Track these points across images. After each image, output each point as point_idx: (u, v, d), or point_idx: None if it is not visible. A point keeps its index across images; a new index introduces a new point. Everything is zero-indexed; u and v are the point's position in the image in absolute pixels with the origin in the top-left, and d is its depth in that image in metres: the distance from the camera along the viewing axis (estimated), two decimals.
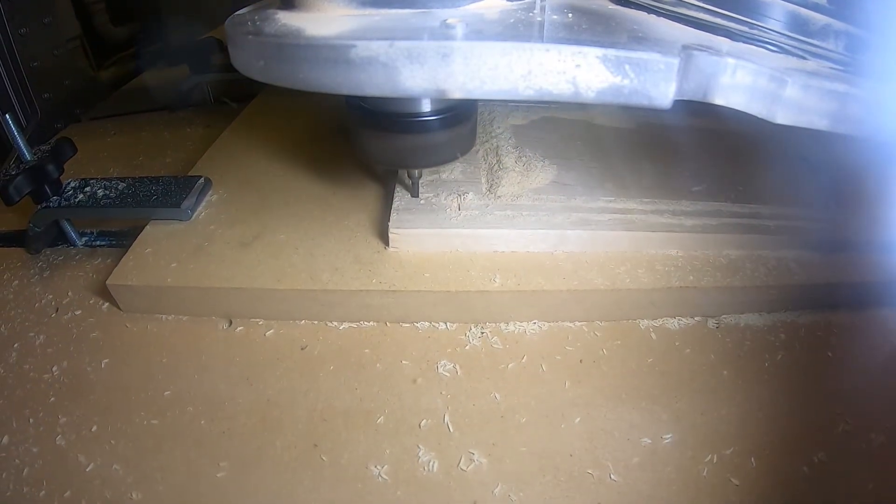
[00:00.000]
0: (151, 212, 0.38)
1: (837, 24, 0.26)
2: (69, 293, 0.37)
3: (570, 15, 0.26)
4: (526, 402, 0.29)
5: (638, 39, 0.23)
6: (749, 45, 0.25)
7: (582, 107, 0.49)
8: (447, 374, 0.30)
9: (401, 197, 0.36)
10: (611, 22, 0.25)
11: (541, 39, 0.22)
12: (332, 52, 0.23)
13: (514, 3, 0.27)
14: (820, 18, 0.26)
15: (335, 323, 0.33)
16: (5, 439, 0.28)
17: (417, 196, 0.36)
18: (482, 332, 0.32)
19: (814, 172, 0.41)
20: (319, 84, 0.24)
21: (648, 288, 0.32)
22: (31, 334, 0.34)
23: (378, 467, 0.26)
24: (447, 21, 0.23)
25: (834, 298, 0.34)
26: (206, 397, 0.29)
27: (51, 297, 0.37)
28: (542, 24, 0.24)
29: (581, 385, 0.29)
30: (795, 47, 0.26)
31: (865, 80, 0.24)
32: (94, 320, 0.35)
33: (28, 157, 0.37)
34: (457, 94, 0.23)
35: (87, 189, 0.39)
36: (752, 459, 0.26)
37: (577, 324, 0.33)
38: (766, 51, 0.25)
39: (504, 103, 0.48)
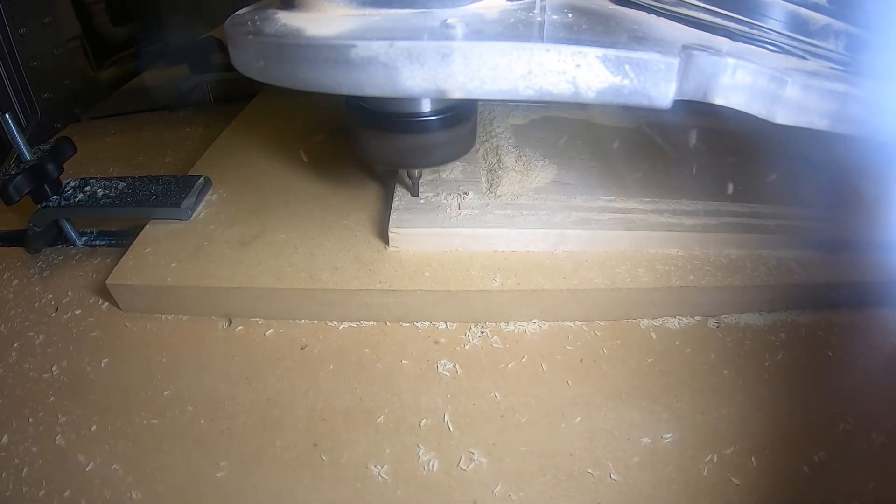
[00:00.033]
0: (151, 211, 0.38)
1: (837, 24, 0.26)
2: (69, 293, 0.37)
3: (570, 15, 0.26)
4: (526, 402, 0.29)
5: (638, 39, 0.23)
6: (749, 45, 0.25)
7: (582, 106, 0.49)
8: (447, 374, 0.30)
9: (401, 196, 0.36)
10: (611, 22, 0.25)
11: (541, 39, 0.22)
12: (332, 52, 0.23)
13: (514, 3, 0.27)
14: (820, 18, 0.26)
15: (335, 322, 0.33)
16: (5, 439, 0.28)
17: (417, 195, 0.36)
18: (482, 332, 0.32)
19: (814, 172, 0.41)
20: (319, 84, 0.24)
21: (649, 287, 0.32)
22: (31, 334, 0.34)
23: (378, 467, 0.26)
24: (447, 21, 0.23)
25: (834, 298, 0.34)
26: (205, 397, 0.29)
27: (50, 296, 0.37)
28: (542, 24, 0.24)
29: (581, 384, 0.29)
30: (795, 47, 0.26)
31: (865, 80, 0.24)
32: (93, 320, 0.35)
33: (28, 156, 0.37)
34: (457, 94, 0.23)
35: (87, 188, 0.39)
36: (753, 459, 0.26)
37: (578, 323, 0.33)
38: (766, 51, 0.25)
39: (504, 103, 0.48)
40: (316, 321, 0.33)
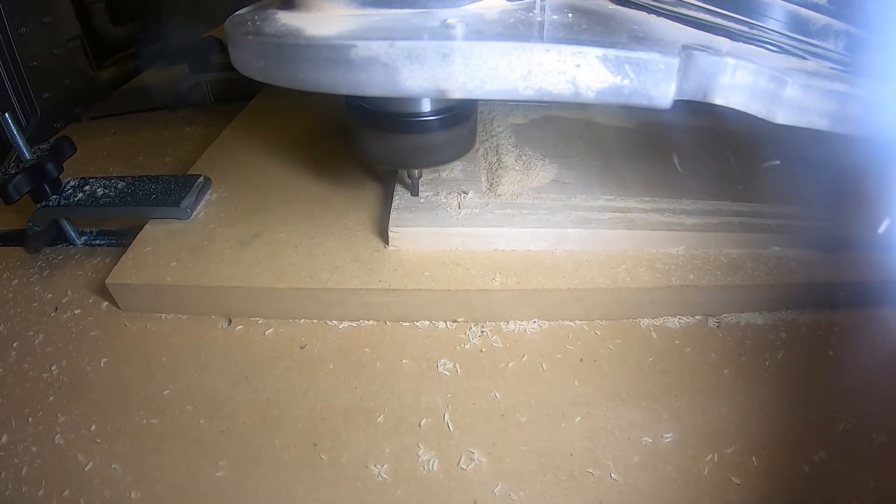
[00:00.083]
0: (151, 211, 0.38)
1: (837, 24, 0.26)
2: (68, 292, 0.37)
3: (570, 15, 0.26)
4: (526, 401, 0.29)
5: (638, 39, 0.23)
6: (749, 45, 0.25)
7: (582, 106, 0.49)
8: (447, 373, 0.30)
9: (401, 196, 0.36)
10: (611, 22, 0.26)
11: (541, 39, 0.22)
12: (332, 52, 0.23)
13: (514, 3, 0.27)
14: (820, 18, 0.26)
15: (335, 322, 0.33)
16: (4, 438, 0.28)
17: (417, 195, 0.36)
18: (482, 331, 0.32)
19: (814, 171, 0.41)
20: (319, 84, 0.24)
21: (649, 287, 0.32)
22: (31, 333, 0.34)
23: (378, 466, 0.26)
24: (447, 21, 0.23)
25: (835, 297, 0.34)
26: (205, 396, 0.29)
27: (50, 296, 0.37)
28: (542, 24, 0.24)
29: (581, 384, 0.29)
30: (795, 47, 0.26)
31: (865, 80, 0.24)
32: (93, 319, 0.35)
33: (27, 155, 0.37)
34: (457, 94, 0.23)
35: (87, 188, 0.39)
36: (753, 458, 0.26)
37: (578, 323, 0.33)
38: (766, 51, 0.25)
39: (504, 102, 0.48)
40: (316, 320, 0.33)
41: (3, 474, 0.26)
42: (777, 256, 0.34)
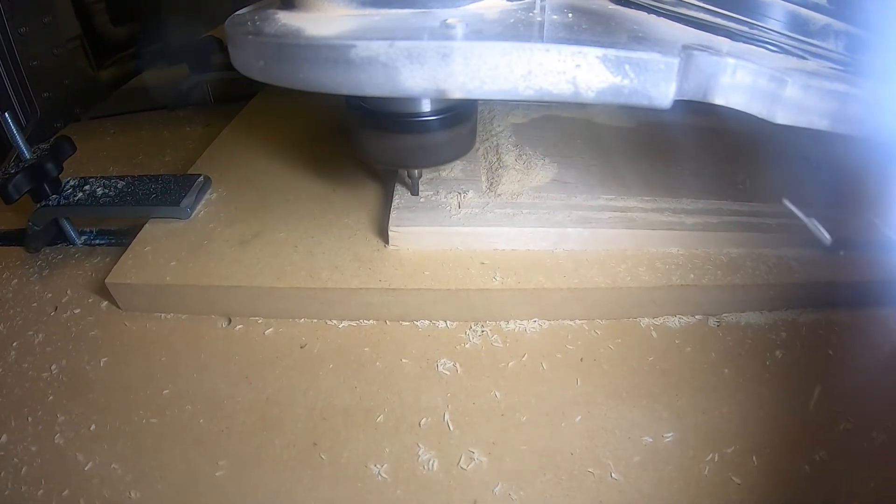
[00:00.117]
0: (151, 210, 0.38)
1: (837, 24, 0.26)
2: (68, 292, 0.37)
3: (570, 15, 0.26)
4: (526, 401, 0.29)
5: (638, 39, 0.23)
6: (749, 45, 0.25)
7: (582, 105, 0.49)
8: (447, 373, 0.30)
9: (401, 195, 0.36)
10: (611, 22, 0.26)
11: (541, 39, 0.22)
12: (332, 52, 0.23)
13: (514, 3, 0.27)
14: (820, 18, 0.26)
15: (335, 321, 0.33)
16: (4, 438, 0.28)
17: (417, 194, 0.36)
18: (482, 331, 0.32)
19: (814, 171, 0.41)
20: (319, 84, 0.24)
21: (649, 286, 0.32)
22: (30, 333, 0.34)
23: (378, 466, 0.26)
24: (447, 21, 0.23)
25: (835, 297, 0.34)
26: (205, 396, 0.29)
27: (50, 295, 0.37)
28: (542, 24, 0.24)
29: (582, 383, 0.29)
30: (795, 47, 0.26)
31: (865, 80, 0.24)
32: (93, 319, 0.35)
33: (27, 155, 0.37)
34: (457, 94, 0.23)
35: (87, 188, 0.39)
36: (754, 458, 0.26)
37: (578, 322, 0.33)
38: (766, 51, 0.25)
39: (504, 102, 0.48)
40: (315, 320, 0.33)
41: (2, 474, 0.26)
42: (777, 256, 0.34)
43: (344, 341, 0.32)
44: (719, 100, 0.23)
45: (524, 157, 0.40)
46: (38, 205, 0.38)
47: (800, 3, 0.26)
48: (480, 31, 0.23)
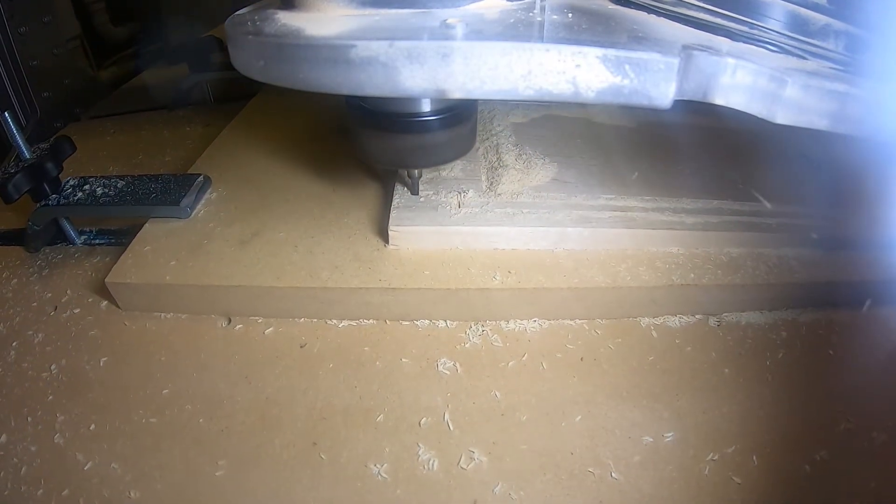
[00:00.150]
0: (150, 210, 0.38)
1: (837, 24, 0.26)
2: (68, 291, 0.37)
3: (570, 15, 0.26)
4: (526, 400, 0.29)
5: (638, 39, 0.23)
6: (749, 45, 0.25)
7: (582, 105, 0.49)
8: (447, 372, 0.30)
9: (401, 195, 0.36)
10: (611, 22, 0.26)
11: (541, 39, 0.22)
12: (332, 52, 0.23)
13: (514, 3, 0.27)
14: (820, 18, 0.26)
15: (334, 321, 0.33)
16: (3, 437, 0.28)
17: (417, 194, 0.36)
18: (482, 330, 0.32)
19: (814, 170, 0.41)
20: (319, 84, 0.24)
21: (649, 286, 0.32)
22: (30, 332, 0.34)
23: (377, 466, 0.26)
24: (447, 21, 0.23)
25: (835, 297, 0.34)
26: (204, 395, 0.29)
27: (50, 295, 0.37)
28: (542, 24, 0.24)
29: (582, 383, 0.29)
30: (795, 47, 0.26)
31: (865, 80, 0.24)
32: (92, 318, 0.35)
33: (27, 155, 0.37)
34: (457, 94, 0.23)
35: (87, 187, 0.39)
36: (754, 458, 0.26)
37: (578, 322, 0.33)
38: (766, 51, 0.25)
39: (504, 101, 0.48)
40: (315, 319, 0.33)
41: (2, 474, 0.26)
42: (777, 255, 0.34)
43: (344, 341, 0.32)
44: (719, 100, 0.23)
45: (524, 156, 0.40)
46: (38, 204, 0.38)
47: (800, 3, 0.26)
48: (480, 31, 0.23)
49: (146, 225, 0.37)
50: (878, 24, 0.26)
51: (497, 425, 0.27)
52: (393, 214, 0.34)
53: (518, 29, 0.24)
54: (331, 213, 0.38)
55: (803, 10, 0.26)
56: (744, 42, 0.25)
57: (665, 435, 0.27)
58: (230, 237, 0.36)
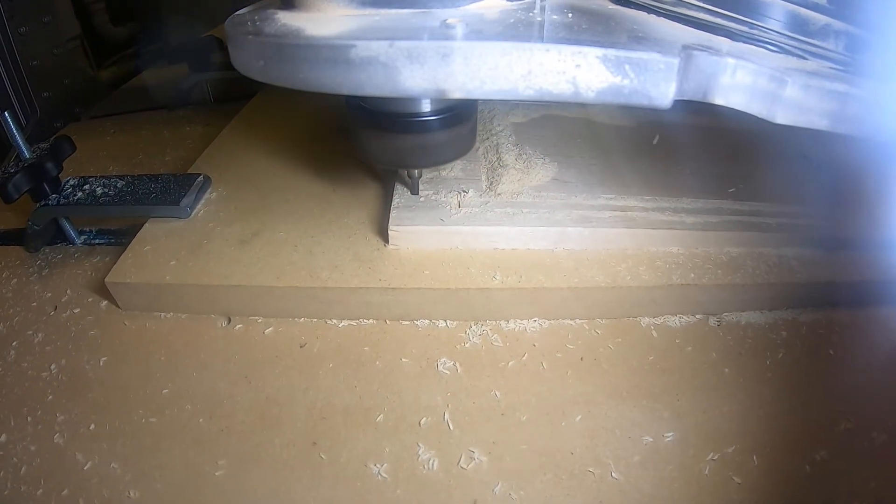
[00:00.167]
0: (150, 209, 0.38)
1: (837, 24, 0.26)
2: (68, 291, 0.37)
3: (570, 15, 0.26)
4: (526, 400, 0.29)
5: (638, 39, 0.23)
6: (749, 45, 0.25)
7: (582, 105, 0.49)
8: (447, 372, 0.30)
9: (400, 194, 0.36)
10: (611, 22, 0.26)
11: (541, 39, 0.22)
12: (332, 52, 0.23)
13: (514, 3, 0.27)
14: (820, 18, 0.26)
15: (334, 320, 0.33)
16: (3, 437, 0.28)
17: (417, 193, 0.36)
18: (482, 330, 0.32)
19: (814, 170, 0.41)
20: (319, 84, 0.24)
21: (649, 285, 0.32)
22: (30, 332, 0.34)
23: (377, 465, 0.26)
24: (447, 21, 0.23)
25: (835, 296, 0.34)
26: (204, 395, 0.29)
27: (49, 295, 0.37)
28: (542, 24, 0.24)
29: (582, 383, 0.29)
30: (795, 47, 0.26)
31: (865, 80, 0.24)
32: (92, 318, 0.35)
33: (27, 154, 0.37)
34: (457, 94, 0.23)
35: (86, 187, 0.39)
36: (754, 457, 0.26)
37: (578, 321, 0.33)
38: (766, 51, 0.25)
39: (504, 101, 0.48)
40: (315, 319, 0.33)
41: (2, 473, 0.26)
42: (777, 255, 0.34)
43: (344, 341, 0.32)
44: (719, 100, 0.23)
45: (524, 156, 0.40)
46: (38, 204, 0.38)
47: (800, 3, 0.26)
48: (480, 31, 0.23)
49: (146, 225, 0.37)
50: (878, 24, 0.26)
51: (497, 425, 0.27)
52: (393, 214, 0.34)
53: (518, 29, 0.24)
54: (331, 213, 0.38)
55: (803, 10, 0.26)
56: (744, 42, 0.25)
57: (665, 435, 0.27)
58: (230, 237, 0.36)
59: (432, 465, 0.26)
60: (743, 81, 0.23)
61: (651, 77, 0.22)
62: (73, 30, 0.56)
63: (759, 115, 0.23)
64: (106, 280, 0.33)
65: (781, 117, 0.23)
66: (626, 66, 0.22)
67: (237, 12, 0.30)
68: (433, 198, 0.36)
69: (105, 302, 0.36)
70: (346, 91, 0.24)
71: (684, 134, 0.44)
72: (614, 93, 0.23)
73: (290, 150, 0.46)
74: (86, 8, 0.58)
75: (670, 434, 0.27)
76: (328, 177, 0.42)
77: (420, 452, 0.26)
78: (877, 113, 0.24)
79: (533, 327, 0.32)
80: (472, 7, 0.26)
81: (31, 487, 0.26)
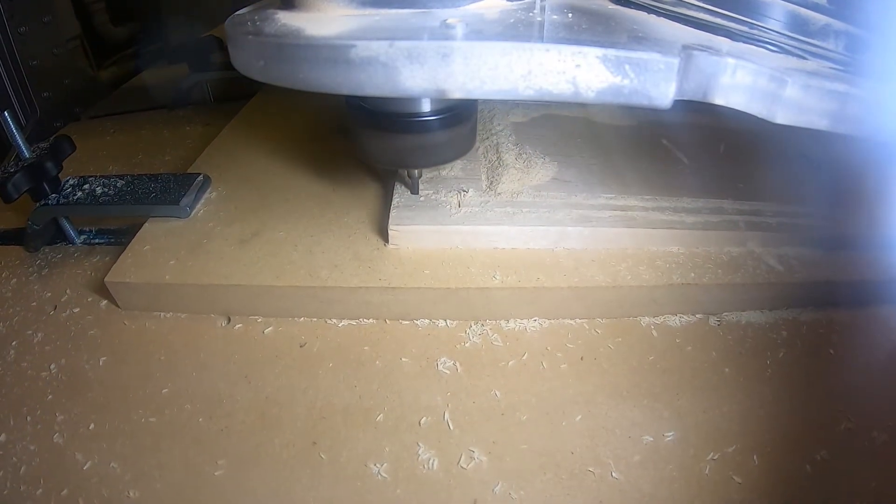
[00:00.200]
0: (150, 209, 0.38)
1: (837, 24, 0.26)
2: (67, 291, 0.37)
3: (570, 15, 0.26)
4: (526, 400, 0.29)
5: (638, 39, 0.23)
6: (749, 45, 0.25)
7: (582, 105, 0.49)
8: (447, 372, 0.30)
9: (400, 194, 0.36)
10: (611, 22, 0.26)
11: (541, 39, 0.22)
12: (332, 52, 0.23)
13: (514, 3, 0.27)
14: (820, 18, 0.26)
15: (334, 320, 0.33)
16: (3, 437, 0.28)
17: (417, 193, 0.36)
18: (482, 330, 0.32)
19: (814, 170, 0.41)
20: (319, 84, 0.24)
21: (650, 285, 0.32)
22: (30, 332, 0.34)
23: (377, 465, 0.26)
24: (447, 21, 0.23)
25: (835, 296, 0.34)
26: (204, 395, 0.29)
27: (49, 294, 0.37)
28: (542, 24, 0.24)
29: (582, 382, 0.29)
30: (795, 47, 0.26)
31: (865, 80, 0.24)
32: (92, 318, 0.35)
33: (27, 154, 0.37)
34: (457, 94, 0.23)
35: (86, 187, 0.39)
36: (755, 457, 0.26)
37: (578, 321, 0.33)
38: (766, 51, 0.25)
39: (504, 101, 0.48)
40: (315, 319, 0.33)
41: (1, 473, 0.26)
42: (778, 255, 0.34)
43: (343, 340, 0.32)
44: (719, 100, 0.23)
45: (524, 155, 0.40)
46: (38, 204, 0.38)
47: (800, 3, 0.26)
48: (480, 31, 0.23)
49: (146, 224, 0.37)
50: (878, 24, 0.26)
51: (497, 425, 0.27)
52: (393, 214, 0.34)
53: (518, 29, 0.24)
54: (330, 213, 0.38)
55: (803, 10, 0.26)
56: (744, 42, 0.25)
57: (665, 434, 0.27)
58: (230, 236, 0.36)
59: (432, 464, 0.26)
60: (743, 81, 0.23)
61: (651, 77, 0.22)
62: (73, 30, 0.56)
63: (759, 115, 0.23)
64: (105, 280, 0.33)
65: (781, 117, 0.23)
66: (626, 66, 0.22)
67: (237, 12, 0.30)
68: (433, 197, 0.36)
69: (105, 301, 0.35)
70: (346, 91, 0.24)
71: (684, 133, 0.44)
72: (614, 93, 0.23)
73: (290, 149, 0.46)
74: (86, 8, 0.58)
75: (670, 434, 0.27)
76: (328, 176, 0.42)
77: (420, 452, 0.26)
78: (877, 113, 0.24)
79: (533, 327, 0.32)
80: (472, 7, 0.26)
81: (30, 487, 0.26)
